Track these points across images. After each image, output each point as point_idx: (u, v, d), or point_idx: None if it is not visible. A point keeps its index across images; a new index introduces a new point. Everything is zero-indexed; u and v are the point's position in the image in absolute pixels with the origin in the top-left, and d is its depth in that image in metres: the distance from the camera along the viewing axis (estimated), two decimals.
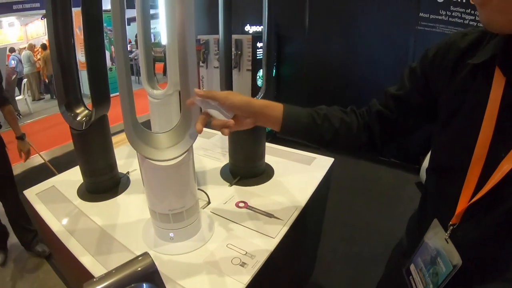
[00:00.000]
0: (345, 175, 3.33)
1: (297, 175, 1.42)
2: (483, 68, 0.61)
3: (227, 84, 1.21)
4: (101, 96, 1.19)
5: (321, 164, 1.52)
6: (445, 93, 0.69)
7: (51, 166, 3.48)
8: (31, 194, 1.33)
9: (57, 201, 1.28)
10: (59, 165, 3.64)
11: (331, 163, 1.53)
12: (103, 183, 1.30)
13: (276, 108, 0.82)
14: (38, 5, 11.03)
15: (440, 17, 3.45)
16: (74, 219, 1.16)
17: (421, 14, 3.47)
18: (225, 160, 1.55)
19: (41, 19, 11.50)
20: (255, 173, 1.39)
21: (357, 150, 0.88)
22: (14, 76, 7.44)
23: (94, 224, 1.13)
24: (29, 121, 6.79)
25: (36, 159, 3.69)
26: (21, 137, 2.30)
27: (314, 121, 0.82)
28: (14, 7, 11.10)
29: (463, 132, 0.65)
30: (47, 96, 9.00)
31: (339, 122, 0.83)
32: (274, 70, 4.09)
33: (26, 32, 12.47)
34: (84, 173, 1.29)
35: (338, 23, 3.90)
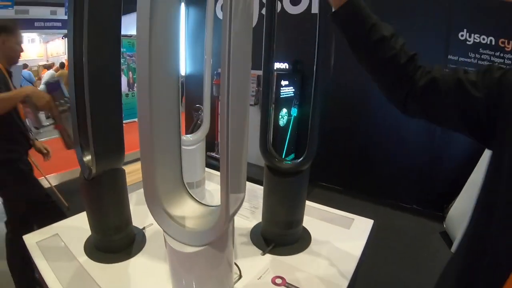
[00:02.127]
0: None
1: (337, 242, 1.25)
2: None
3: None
4: (108, 148, 1.02)
5: (361, 227, 1.36)
6: None
7: (57, 192, 3.34)
8: (31, 241, 1.18)
9: (60, 256, 1.12)
10: (69, 193, 3.50)
11: (371, 225, 1.37)
12: (115, 242, 1.13)
13: None
14: (59, 24, 11.31)
15: (469, 60, 3.35)
16: (78, 283, 0.99)
17: (449, 57, 3.37)
18: (254, 218, 1.39)
19: (62, 38, 11.74)
20: (291, 240, 1.22)
21: (391, 85, 0.78)
22: None
23: None
24: (41, 139, 6.64)
25: (43, 183, 3.56)
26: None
27: (379, 21, 0.74)
28: (36, 24, 11.40)
29: None
30: None
31: (400, 48, 0.73)
32: (296, 109, 4.00)
33: (46, 50, 12.72)
34: (92, 227, 1.13)
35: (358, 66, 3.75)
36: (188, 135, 1.39)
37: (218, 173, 1.80)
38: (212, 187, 1.70)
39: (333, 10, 0.76)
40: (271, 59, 1.13)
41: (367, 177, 3.91)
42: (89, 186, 1.04)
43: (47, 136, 6.64)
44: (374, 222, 1.40)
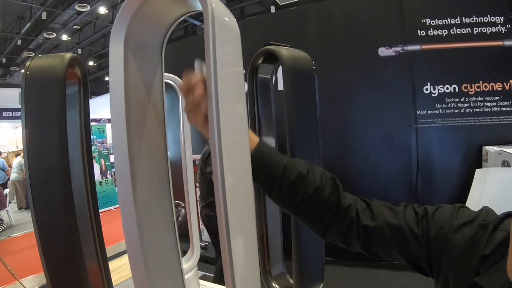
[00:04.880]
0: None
1: None
2: None
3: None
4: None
5: None
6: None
7: None
8: None
9: None
10: None
11: None
12: None
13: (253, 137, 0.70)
14: None
15: (437, 111, 3.50)
16: None
17: (418, 112, 3.51)
18: None
19: None
20: None
21: (318, 218, 0.72)
22: None
23: None
24: (13, 234, 6.19)
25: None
26: None
27: (293, 164, 0.70)
28: (4, 114, 11.37)
29: None
30: None
31: (322, 180, 0.71)
32: None
33: (16, 136, 12.48)
34: None
35: (336, 133, 3.82)
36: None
37: (210, 285, 1.69)
38: None
39: None
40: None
41: None
42: None
43: (21, 231, 6.30)
44: None
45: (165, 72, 0.86)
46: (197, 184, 3.54)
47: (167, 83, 1.36)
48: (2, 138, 12.20)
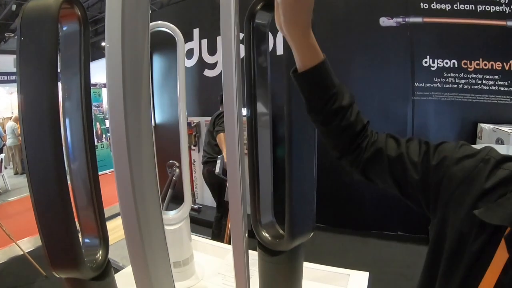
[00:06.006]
0: (354, 255, 3.11)
1: None
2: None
3: None
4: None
5: (358, 282, 1.32)
6: (451, 219, 0.62)
7: (32, 260, 3.12)
8: None
9: None
10: (43, 257, 3.27)
11: (367, 278, 1.34)
12: None
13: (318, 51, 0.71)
14: None
15: (434, 85, 3.48)
16: None
17: (416, 84, 3.50)
18: None
19: None
20: None
21: (341, 148, 0.78)
22: None
23: None
24: (9, 199, 6.26)
25: (17, 248, 3.32)
26: None
27: (341, 89, 0.73)
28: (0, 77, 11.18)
29: None
30: None
31: (356, 117, 0.75)
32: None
33: (11, 102, 12.36)
34: None
35: None
36: (171, 212, 1.32)
37: (204, 239, 1.74)
38: (200, 257, 1.61)
39: (298, 69, 0.73)
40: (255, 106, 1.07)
41: (349, 211, 3.93)
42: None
43: (16, 195, 6.35)
44: (369, 273, 1.37)
45: None
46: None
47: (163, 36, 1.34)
48: None
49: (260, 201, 1.09)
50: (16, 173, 8.30)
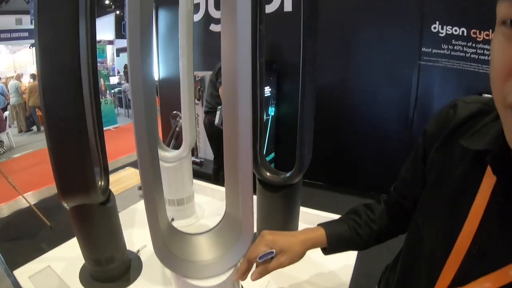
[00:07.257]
0: None
1: None
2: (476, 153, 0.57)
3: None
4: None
5: None
6: (433, 162, 0.66)
7: (38, 212, 3.21)
8: (23, 276, 1.12)
9: None
10: (48, 210, 3.38)
11: None
12: (110, 271, 1.10)
13: (319, 235, 0.82)
14: (26, 34, 10.93)
15: (442, 51, 3.43)
16: None
17: (423, 49, 3.44)
18: None
19: (30, 47, 11.35)
20: None
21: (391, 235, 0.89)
22: None
23: None
24: (14, 155, 6.39)
25: (22, 201, 3.42)
26: None
27: (356, 232, 0.84)
28: (2, 35, 11.02)
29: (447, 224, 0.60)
30: (35, 127, 8.67)
31: (377, 224, 0.85)
32: (273, 109, 4.00)
33: (14, 61, 12.27)
34: (86, 259, 1.09)
35: (338, 59, 3.78)
36: (173, 151, 1.36)
37: (205, 184, 1.80)
38: (201, 199, 1.69)
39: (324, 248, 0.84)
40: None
41: (348, 171, 3.99)
42: (75, 216, 0.98)
43: (21, 152, 6.47)
44: None
45: None
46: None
47: None
48: (1, 63, 12.00)
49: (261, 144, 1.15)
50: (20, 131, 8.37)
